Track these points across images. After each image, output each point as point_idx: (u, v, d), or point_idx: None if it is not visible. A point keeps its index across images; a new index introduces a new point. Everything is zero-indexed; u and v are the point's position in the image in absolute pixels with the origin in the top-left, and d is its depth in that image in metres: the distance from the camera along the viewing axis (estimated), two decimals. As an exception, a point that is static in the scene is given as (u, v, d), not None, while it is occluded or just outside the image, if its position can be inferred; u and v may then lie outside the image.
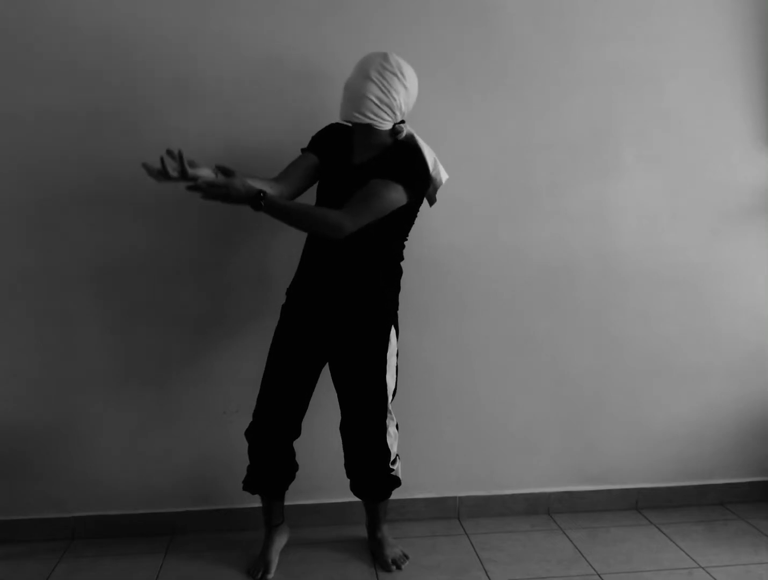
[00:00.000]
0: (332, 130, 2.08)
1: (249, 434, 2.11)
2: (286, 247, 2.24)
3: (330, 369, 2.11)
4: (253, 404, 2.09)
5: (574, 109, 2.37)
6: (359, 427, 2.08)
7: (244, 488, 2.15)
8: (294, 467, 2.16)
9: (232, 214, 2.25)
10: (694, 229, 2.48)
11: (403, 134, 2.02)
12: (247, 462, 2.15)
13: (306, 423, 2.27)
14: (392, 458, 2.12)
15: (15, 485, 2.30)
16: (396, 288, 2.08)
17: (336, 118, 2.02)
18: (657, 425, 2.54)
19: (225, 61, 2.20)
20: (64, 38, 2.14)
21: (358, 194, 1.88)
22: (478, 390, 2.45)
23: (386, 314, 2.04)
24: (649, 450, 2.56)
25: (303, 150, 2.07)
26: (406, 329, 2.32)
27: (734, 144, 2.46)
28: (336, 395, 2.12)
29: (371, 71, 1.90)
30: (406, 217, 2.02)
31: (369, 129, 1.96)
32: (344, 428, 2.12)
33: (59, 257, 2.22)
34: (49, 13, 2.13)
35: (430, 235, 2.33)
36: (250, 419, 2.14)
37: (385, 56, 1.92)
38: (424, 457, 2.42)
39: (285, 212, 1.82)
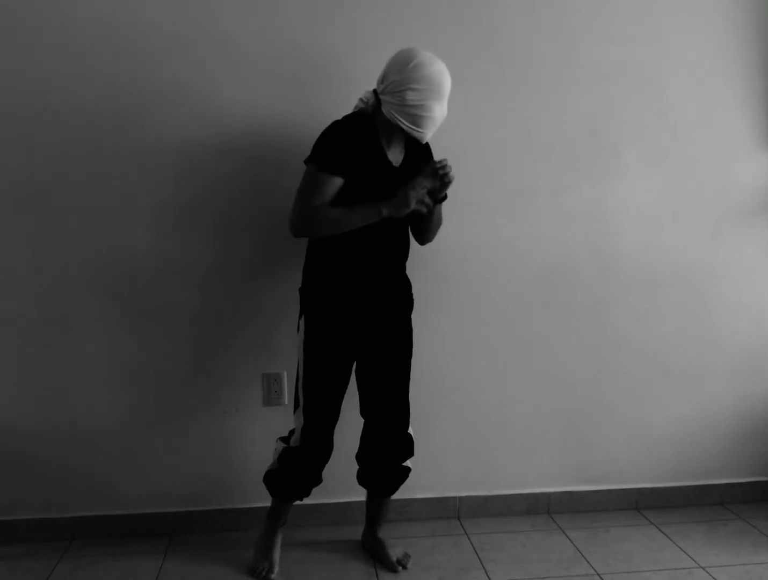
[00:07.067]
0: (348, 136, 1.88)
1: (301, 452, 2.04)
2: (286, 248, 2.23)
3: (359, 365, 2.09)
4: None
5: (574, 109, 2.37)
6: (393, 417, 2.08)
7: (276, 496, 2.13)
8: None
9: (233, 215, 2.26)
10: (694, 230, 2.48)
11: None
12: (264, 466, 2.14)
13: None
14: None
15: (15, 485, 2.30)
16: None
17: (334, 117, 1.96)
18: (657, 425, 2.54)
19: (225, 61, 2.20)
20: (65, 37, 2.14)
21: None
22: (477, 390, 2.45)
23: (412, 304, 2.13)
24: (649, 450, 2.56)
25: (327, 173, 1.84)
26: (406, 329, 2.31)
27: (734, 144, 2.46)
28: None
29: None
30: None
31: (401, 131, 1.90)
32: (375, 422, 2.09)
33: (60, 258, 2.22)
34: (50, 12, 2.13)
35: (430, 235, 2.33)
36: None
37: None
38: (424, 457, 2.41)
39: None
